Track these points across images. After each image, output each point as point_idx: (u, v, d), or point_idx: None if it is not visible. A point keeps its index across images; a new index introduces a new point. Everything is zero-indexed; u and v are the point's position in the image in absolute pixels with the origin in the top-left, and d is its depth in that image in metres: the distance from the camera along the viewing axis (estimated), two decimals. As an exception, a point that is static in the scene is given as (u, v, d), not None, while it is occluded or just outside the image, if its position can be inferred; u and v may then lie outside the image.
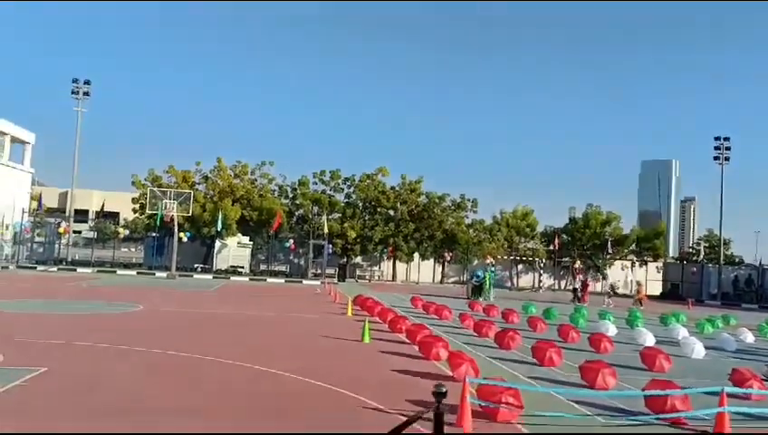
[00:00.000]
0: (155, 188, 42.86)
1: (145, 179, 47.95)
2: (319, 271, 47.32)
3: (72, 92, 48.45)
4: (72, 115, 49.43)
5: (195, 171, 50.14)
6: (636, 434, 7.74)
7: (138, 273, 41.80)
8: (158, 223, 41.82)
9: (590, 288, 37.92)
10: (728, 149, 50.48)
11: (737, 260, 58.29)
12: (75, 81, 48.65)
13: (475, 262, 52.37)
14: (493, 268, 39.69)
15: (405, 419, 3.96)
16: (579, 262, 51.14)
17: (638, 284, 40.97)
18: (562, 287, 54.97)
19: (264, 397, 8.50)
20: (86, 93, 48.91)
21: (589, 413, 8.27)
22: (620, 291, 49.98)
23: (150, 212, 42.73)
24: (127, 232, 51.58)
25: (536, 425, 7.60)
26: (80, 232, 60.09)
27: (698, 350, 14.95)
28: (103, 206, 49.62)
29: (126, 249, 71.03)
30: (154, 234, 46.64)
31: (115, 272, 41.39)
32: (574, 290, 37.84)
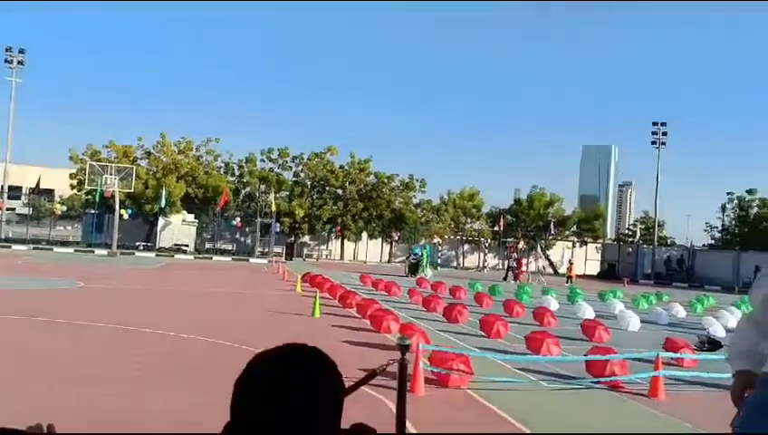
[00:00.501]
0: (94, 163, 41.37)
1: (83, 154, 46.11)
2: (266, 250, 46.90)
3: (6, 61, 45.97)
4: (6, 85, 46.96)
5: (137, 147, 48.62)
6: (578, 396, 8.12)
7: (75, 250, 40.42)
8: (97, 199, 40.49)
9: (524, 266, 38.87)
10: (665, 134, 52.52)
11: (670, 242, 60.99)
12: (8, 49, 46.13)
13: (422, 241, 53.02)
14: (438, 244, 40.41)
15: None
16: (522, 242, 52.54)
17: (570, 262, 42.57)
18: (505, 267, 56.33)
19: (206, 366, 8.46)
20: (20, 63, 46.49)
21: (534, 379, 8.62)
22: (553, 270, 51.68)
23: (89, 188, 41.31)
24: (64, 209, 49.64)
25: (485, 390, 7.86)
26: (13, 209, 57.48)
27: (634, 322, 15.70)
28: (39, 182, 47.47)
29: (62, 227, 68.38)
30: (93, 211, 45.11)
31: (52, 250, 39.88)
32: (509, 268, 38.41)
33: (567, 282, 35.40)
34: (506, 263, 41.12)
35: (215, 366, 8.30)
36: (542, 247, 56.82)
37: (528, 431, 6.26)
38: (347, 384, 1.24)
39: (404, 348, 4.23)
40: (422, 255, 34.51)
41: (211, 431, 1.14)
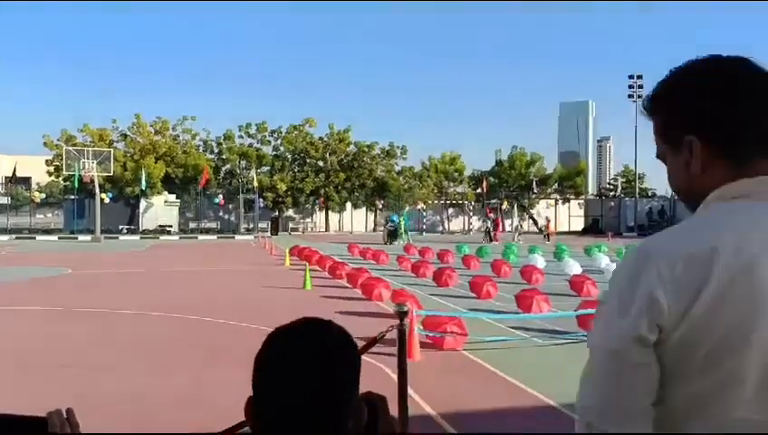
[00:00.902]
0: (71, 148, 40.70)
1: (58, 140, 45.36)
2: (251, 226, 46.78)
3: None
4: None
5: (112, 129, 47.89)
6: (572, 350, 8.29)
7: (59, 238, 40.02)
8: (76, 185, 39.92)
9: (500, 227, 39.26)
10: (641, 87, 52.66)
11: (651, 193, 61.72)
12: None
13: (407, 208, 53.14)
14: (422, 210, 40.64)
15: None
16: (505, 202, 52.91)
17: (547, 219, 43.13)
18: (503, 229, 56.83)
19: (209, 345, 8.51)
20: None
21: (527, 336, 8.79)
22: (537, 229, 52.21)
23: (67, 174, 40.74)
24: (43, 196, 48.95)
25: (480, 350, 8.01)
26: (-10, 199, 56.48)
27: (621, 275, 15.97)
28: (15, 170, 46.65)
29: (42, 215, 67.44)
30: (73, 196, 44.53)
31: (34, 238, 39.46)
32: (486, 230, 38.71)
33: (545, 239, 35.91)
34: (484, 225, 41.27)
35: (229, 344, 8.38)
36: (524, 207, 57.28)
37: (526, 388, 6.41)
38: None
39: (402, 314, 4.31)
40: (398, 222, 34.70)
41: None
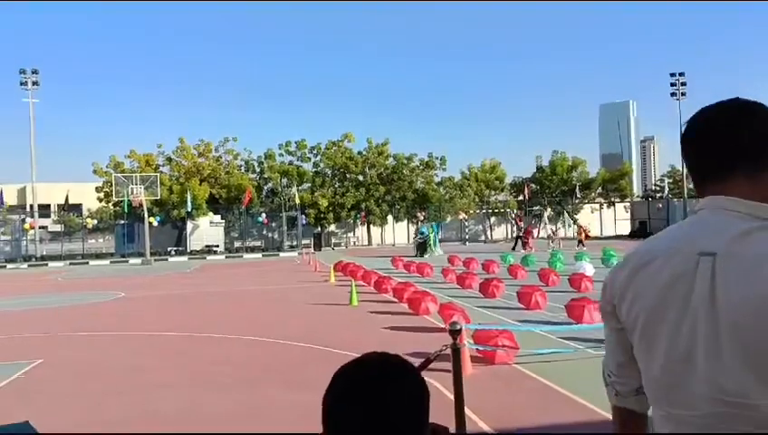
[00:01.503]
0: (119, 175, 42.06)
1: (107, 167, 46.98)
2: (295, 242, 47.34)
3: (21, 84, 46.72)
4: (24, 107, 47.77)
5: (157, 154, 49.30)
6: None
7: (111, 262, 41.26)
8: (125, 210, 41.18)
9: (532, 234, 38.37)
10: (684, 84, 51.37)
11: (700, 193, 59.86)
12: (23, 71, 46.86)
13: (449, 219, 52.94)
14: (464, 220, 40.34)
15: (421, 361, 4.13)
16: (549, 209, 52.13)
17: (579, 225, 41.96)
18: (534, 236, 56.02)
19: (269, 365, 8.62)
20: (35, 83, 47.20)
21: (580, 347, 8.61)
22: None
23: (116, 199, 42.03)
24: (94, 222, 50.64)
25: (532, 363, 7.89)
26: (45, 227, 58.74)
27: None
28: (67, 198, 48.40)
29: (94, 240, 69.70)
30: (123, 221, 45.94)
31: (87, 263, 40.76)
32: (517, 238, 37.60)
33: (578, 246, 34.95)
34: (514, 233, 40.42)
35: (290, 366, 8.48)
36: (569, 212, 56.37)
37: (581, 401, 6.28)
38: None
39: (455, 333, 4.30)
40: (428, 234, 34.35)
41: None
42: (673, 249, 1.30)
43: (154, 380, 8.00)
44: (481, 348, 8.03)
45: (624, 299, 1.36)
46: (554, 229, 41.33)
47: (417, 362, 5.21)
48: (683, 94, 51.27)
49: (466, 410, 6.14)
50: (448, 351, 4.47)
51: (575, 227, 43.30)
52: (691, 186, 48.08)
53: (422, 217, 52.36)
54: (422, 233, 34.94)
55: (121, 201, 41.22)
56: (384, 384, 1.13)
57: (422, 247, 33.84)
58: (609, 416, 4.84)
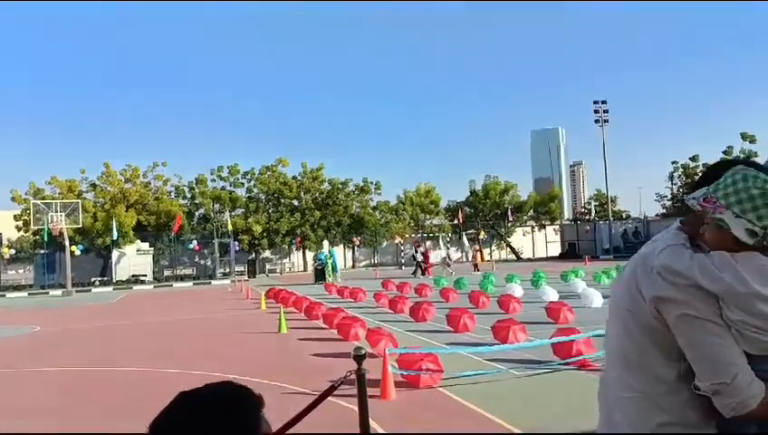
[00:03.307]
0: (38, 202, 39.99)
1: (26, 194, 44.64)
2: (228, 270, 46.19)
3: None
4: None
5: (80, 180, 47.29)
6: (548, 380, 8.15)
7: (29, 294, 39.00)
8: (45, 238, 39.12)
9: (431, 259, 37.83)
10: (606, 111, 53.81)
11: (624, 215, 62.53)
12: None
13: (384, 243, 53.07)
14: (400, 244, 40.34)
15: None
16: (482, 232, 53.04)
17: (476, 249, 42.62)
18: (469, 259, 56.86)
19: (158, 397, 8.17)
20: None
21: (503, 368, 8.62)
22: (516, 256, 52.10)
23: (36, 228, 39.91)
24: (12, 252, 47.85)
25: (456, 386, 7.83)
26: (-43, 258, 55.10)
27: (597, 299, 15.95)
28: (-19, 227, 45.70)
29: (14, 271, 65.91)
30: (43, 251, 43.62)
31: (4, 296, 38.36)
32: (418, 263, 36.74)
33: (474, 270, 35.08)
34: (414, 258, 38.92)
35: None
36: (502, 235, 57.56)
37: (501, 422, 6.23)
38: (313, 398, 1.20)
39: (360, 358, 4.17)
40: (326, 261, 33.93)
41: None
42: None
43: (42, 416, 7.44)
44: (404, 373, 7.90)
45: None
46: (448, 255, 41.70)
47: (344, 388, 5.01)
48: (605, 121, 53.68)
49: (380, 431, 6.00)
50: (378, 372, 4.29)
51: (472, 250, 43.71)
52: (616, 208, 50.32)
53: (357, 242, 52.24)
54: (320, 259, 34.47)
55: (41, 230, 39.17)
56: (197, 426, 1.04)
57: (320, 274, 33.38)
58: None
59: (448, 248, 51.82)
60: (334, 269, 33.98)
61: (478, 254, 39.22)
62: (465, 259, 55.76)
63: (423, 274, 34.30)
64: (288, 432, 3.37)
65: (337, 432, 5.80)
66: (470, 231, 56.84)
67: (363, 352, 3.96)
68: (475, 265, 36.65)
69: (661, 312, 1.62)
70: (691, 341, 1.59)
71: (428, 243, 54.24)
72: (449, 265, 35.79)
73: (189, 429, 1.02)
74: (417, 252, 37.11)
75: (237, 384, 1.13)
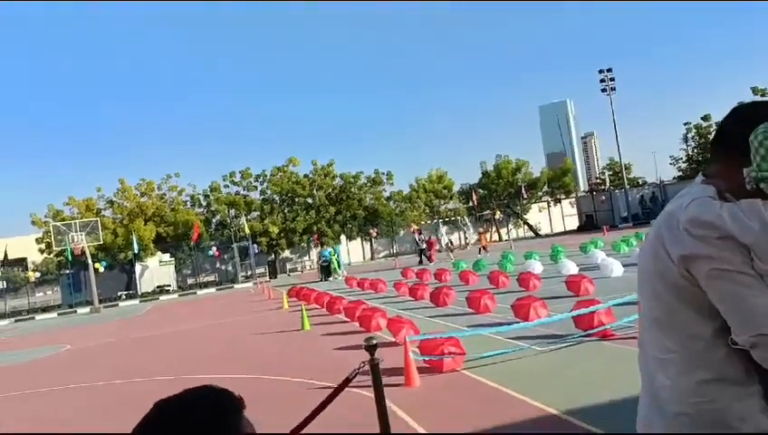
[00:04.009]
0: (57, 223, 40.58)
1: (45, 216, 45.34)
2: (249, 273, 46.59)
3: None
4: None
5: (97, 198, 47.89)
6: (571, 353, 8.16)
7: (58, 314, 39.71)
8: (68, 258, 39.72)
9: (435, 246, 37.62)
10: (612, 79, 53.12)
11: (640, 182, 61.90)
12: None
13: (402, 232, 53.12)
14: (416, 232, 40.33)
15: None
16: (498, 212, 52.82)
17: (480, 232, 42.36)
18: (487, 240, 56.74)
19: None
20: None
21: (526, 345, 8.64)
22: (534, 234, 51.80)
23: (58, 249, 40.53)
24: (38, 275, 48.71)
25: (480, 367, 7.87)
26: (-14, 285, 56.19)
27: (617, 268, 15.86)
28: (6, 253, 46.43)
29: (41, 293, 67.15)
30: (68, 271, 44.34)
31: (33, 318, 39.11)
32: (421, 251, 36.58)
33: (480, 253, 34.89)
34: (416, 246, 38.64)
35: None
36: (518, 214, 57.31)
37: (527, 399, 6.27)
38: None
39: (371, 349, 4.21)
40: (330, 257, 34.02)
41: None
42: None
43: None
44: (426, 358, 7.96)
45: None
46: (450, 241, 41.09)
47: (367, 379, 5.04)
48: (612, 89, 53.02)
49: (410, 422, 6.08)
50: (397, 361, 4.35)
51: (477, 234, 43.55)
52: (631, 175, 49.86)
53: (374, 234, 52.36)
54: (325, 256, 34.52)
55: (63, 250, 39.78)
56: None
57: (326, 271, 33.45)
58: (553, 411, 4.84)
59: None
60: (339, 265, 34.25)
61: (483, 236, 38.98)
62: (462, 244, 55.74)
63: (429, 261, 34.32)
64: (308, 428, 3.45)
65: (361, 422, 5.88)
66: (486, 212, 56.68)
67: (374, 342, 4.01)
68: (482, 248, 36.44)
69: (691, 271, 1.58)
70: (724, 295, 1.54)
71: (444, 228, 54.24)
72: (452, 251, 35.75)
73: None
74: (419, 240, 37.16)
75: (217, 388, 1.14)
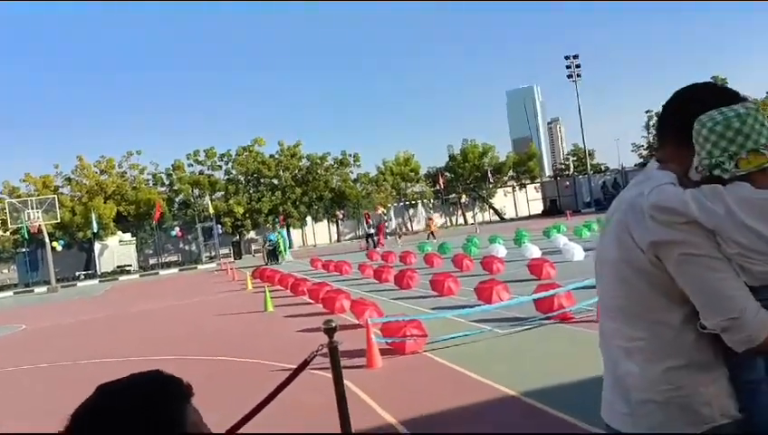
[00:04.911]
0: (13, 200, 39.35)
1: (0, 193, 43.88)
2: (213, 253, 46.03)
3: None
4: None
5: (55, 175, 46.57)
6: (532, 335, 8.28)
7: (15, 293, 38.65)
8: (25, 236, 38.61)
9: (384, 231, 37.80)
10: (578, 66, 53.72)
11: (603, 168, 62.97)
12: None
13: (381, 211, 53.11)
14: (383, 214, 40.35)
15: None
16: (464, 196, 53.11)
17: (429, 218, 42.80)
18: (453, 223, 57.13)
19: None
20: None
21: (488, 328, 8.73)
22: (499, 217, 52.36)
23: (14, 227, 39.35)
24: (-8, 253, 47.29)
25: (442, 349, 7.92)
26: (-64, 263, 54.37)
27: (578, 253, 16.14)
28: (-42, 230, 45.00)
29: (-3, 271, 65.27)
30: (24, 249, 43.12)
31: (-13, 297, 37.97)
32: (368, 235, 36.60)
33: (428, 238, 35.08)
34: (364, 232, 38.76)
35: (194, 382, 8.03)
36: (484, 198, 57.80)
37: (486, 381, 6.33)
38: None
39: (330, 331, 4.19)
40: (276, 240, 33.86)
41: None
42: (616, 200, 1.76)
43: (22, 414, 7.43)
44: (388, 341, 7.97)
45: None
46: (399, 227, 41.01)
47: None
48: (578, 76, 53.63)
49: (371, 403, 6.09)
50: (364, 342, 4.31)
51: (426, 220, 43.88)
52: (594, 161, 50.61)
53: (341, 216, 52.21)
54: (270, 240, 34.21)
55: (20, 228, 38.64)
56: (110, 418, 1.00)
57: (272, 255, 33.17)
58: (512, 392, 4.88)
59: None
60: (285, 249, 34.03)
61: (431, 222, 39.11)
62: (448, 223, 56.03)
63: (375, 246, 34.22)
64: (267, 409, 3.40)
65: (320, 403, 5.85)
66: (452, 195, 57.01)
67: (333, 325, 3.97)
68: (431, 234, 36.49)
69: (660, 256, 1.57)
70: (693, 279, 1.54)
71: (413, 211, 54.39)
72: (400, 237, 35.75)
73: (110, 419, 0.99)
74: (369, 226, 36.93)
75: (165, 373, 1.10)
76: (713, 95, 1.68)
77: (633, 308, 1.64)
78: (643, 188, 1.64)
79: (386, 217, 48.47)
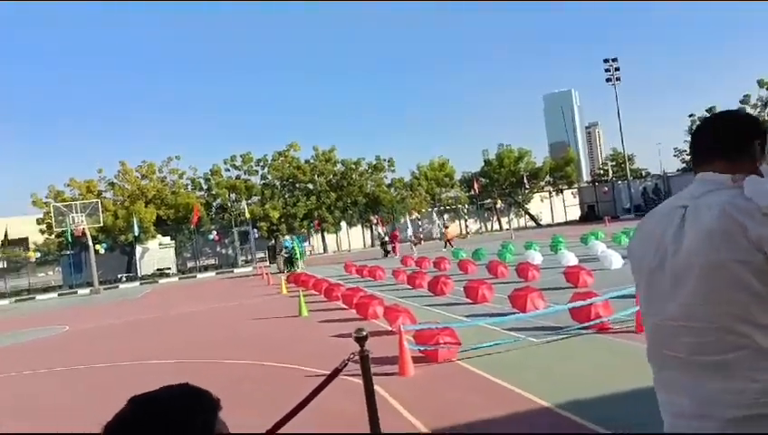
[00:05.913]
0: (58, 204, 40.59)
1: (46, 197, 45.34)
2: (249, 257, 46.64)
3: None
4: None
5: (98, 179, 47.88)
6: (567, 345, 8.14)
7: (59, 295, 39.85)
8: (69, 240, 39.78)
9: (399, 238, 37.35)
10: (617, 69, 52.82)
11: (643, 173, 61.68)
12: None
13: (402, 220, 53.06)
14: (417, 219, 40.17)
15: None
16: (499, 201, 52.67)
17: (445, 226, 42.22)
18: (488, 229, 56.69)
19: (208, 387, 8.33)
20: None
21: (522, 337, 8.62)
22: (535, 223, 51.73)
23: (59, 230, 40.57)
24: (38, 255, 48.78)
25: (475, 358, 7.86)
26: (-15, 265, 56.33)
27: (616, 260, 15.81)
28: (6, 233, 46.56)
29: (43, 274, 67.29)
30: (68, 252, 44.42)
31: (34, 298, 39.24)
32: (383, 243, 36.19)
33: (445, 247, 34.55)
34: (377, 239, 38.53)
35: (227, 386, 8.18)
36: (520, 203, 57.22)
37: (519, 391, 6.26)
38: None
39: (361, 340, 4.20)
40: (293, 247, 33.46)
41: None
42: (664, 207, 1.81)
43: (72, 415, 7.63)
44: (422, 348, 7.95)
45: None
46: (415, 234, 40.92)
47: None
48: (617, 79, 52.73)
49: (402, 411, 6.07)
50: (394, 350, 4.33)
51: (442, 229, 43.32)
52: (634, 166, 49.90)
53: (375, 221, 52.30)
54: (286, 247, 33.89)
55: (64, 231, 39.83)
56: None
57: (289, 262, 32.33)
58: (545, 403, 4.81)
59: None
60: (301, 256, 33.85)
61: (447, 231, 38.77)
62: (483, 229, 55.55)
63: (393, 252, 33.77)
64: (301, 414, 3.44)
65: (351, 410, 5.87)
66: (487, 201, 56.59)
67: (364, 333, 3.99)
68: (447, 242, 36.07)
69: None
70: None
71: (446, 216, 54.20)
72: (415, 244, 35.49)
73: (142, 431, 1.02)
74: (382, 233, 36.27)
75: (194, 387, 1.14)
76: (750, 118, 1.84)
77: (747, 314, 1.54)
78: (725, 196, 1.64)
79: (420, 225, 48.28)
